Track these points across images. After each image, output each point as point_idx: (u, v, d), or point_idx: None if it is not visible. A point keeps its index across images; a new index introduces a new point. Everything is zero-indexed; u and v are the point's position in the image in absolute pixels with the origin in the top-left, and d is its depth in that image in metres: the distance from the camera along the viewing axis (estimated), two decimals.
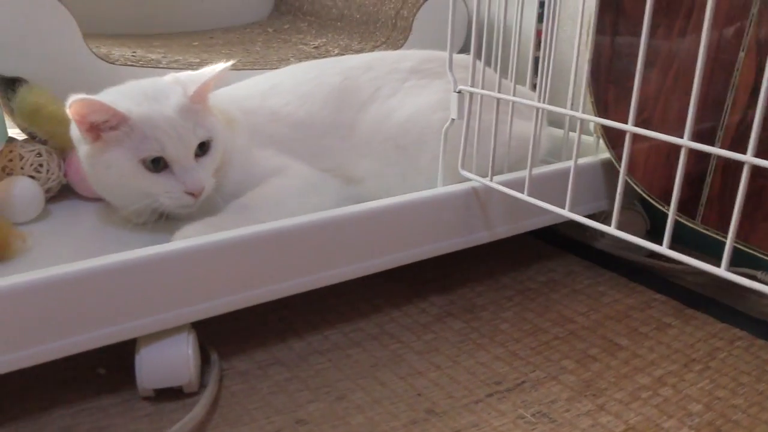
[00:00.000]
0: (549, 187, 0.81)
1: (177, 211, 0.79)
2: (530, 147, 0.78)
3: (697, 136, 0.84)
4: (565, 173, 0.91)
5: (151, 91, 0.78)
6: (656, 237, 1.07)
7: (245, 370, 0.75)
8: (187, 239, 0.69)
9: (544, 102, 0.94)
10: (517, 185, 0.80)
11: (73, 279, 0.61)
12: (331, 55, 1.17)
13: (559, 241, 1.08)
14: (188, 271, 0.67)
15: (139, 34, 1.35)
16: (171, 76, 0.82)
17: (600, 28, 0.90)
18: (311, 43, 1.27)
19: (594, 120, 0.75)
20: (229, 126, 0.84)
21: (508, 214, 0.89)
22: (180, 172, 0.76)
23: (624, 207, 0.74)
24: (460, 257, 0.96)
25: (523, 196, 0.76)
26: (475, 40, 0.82)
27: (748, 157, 0.54)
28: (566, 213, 0.72)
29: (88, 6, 0.97)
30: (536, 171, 0.80)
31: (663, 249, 0.63)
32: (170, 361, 0.66)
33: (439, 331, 0.82)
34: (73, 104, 0.71)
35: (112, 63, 0.94)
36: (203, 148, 0.78)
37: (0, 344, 0.58)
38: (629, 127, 0.64)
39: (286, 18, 1.51)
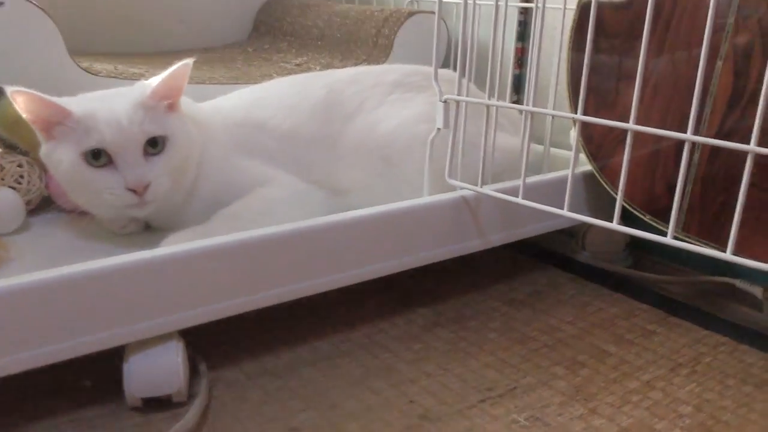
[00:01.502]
0: (539, 194, 0.81)
1: (127, 212, 0.77)
2: (523, 151, 0.79)
3: (676, 146, 0.86)
4: (553, 182, 0.93)
5: (109, 94, 0.78)
6: (636, 248, 1.10)
7: (234, 379, 0.73)
8: (175, 245, 0.68)
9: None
10: (507, 193, 0.81)
11: (58, 284, 0.60)
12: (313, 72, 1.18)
13: (541, 255, 1.09)
14: (177, 277, 0.66)
15: (120, 53, 1.35)
16: (139, 83, 0.82)
17: (578, 44, 0.93)
18: (292, 61, 1.27)
19: (594, 121, 0.77)
20: (204, 133, 0.83)
21: (500, 222, 0.89)
22: (123, 167, 0.73)
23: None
24: (444, 270, 0.97)
25: (520, 200, 0.77)
26: (460, 52, 0.84)
27: (752, 147, 0.56)
28: (566, 213, 0.73)
29: (68, 24, 0.96)
30: (529, 180, 0.81)
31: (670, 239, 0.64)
32: (160, 368, 0.65)
33: (429, 341, 0.82)
34: (14, 95, 0.70)
35: (96, 75, 0.93)
36: (156, 146, 0.75)
37: None
38: (631, 126, 0.66)
39: (265, 38, 1.52)
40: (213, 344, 0.80)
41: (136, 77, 0.99)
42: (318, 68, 1.20)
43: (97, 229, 0.84)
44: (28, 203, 0.86)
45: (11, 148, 0.88)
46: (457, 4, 1.30)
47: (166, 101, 0.77)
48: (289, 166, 0.88)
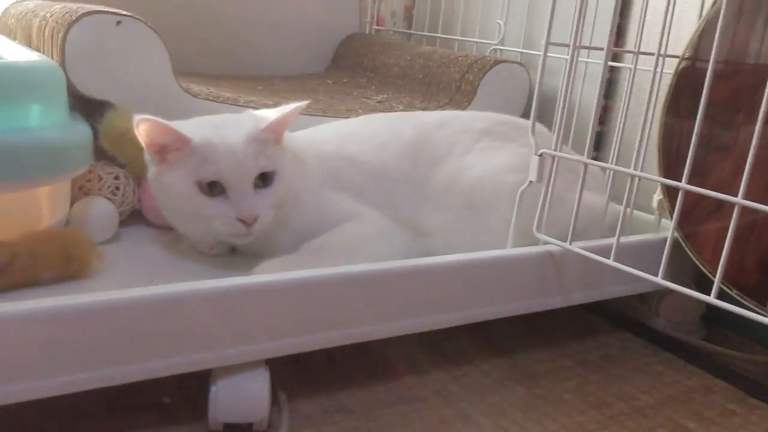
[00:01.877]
0: (623, 256, 0.80)
1: (232, 240, 0.79)
2: (621, 214, 0.78)
3: None
4: (637, 245, 0.91)
5: (221, 122, 0.80)
6: (712, 322, 1.07)
7: (310, 413, 0.73)
8: (269, 274, 0.69)
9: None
10: (595, 252, 0.80)
11: (155, 302, 0.61)
12: (395, 110, 1.19)
13: (613, 318, 1.07)
14: (269, 306, 0.67)
15: (202, 74, 1.38)
16: (248, 112, 0.84)
17: (674, 109, 0.92)
18: (374, 98, 1.29)
19: (700, 191, 0.75)
20: (300, 166, 0.85)
21: (584, 281, 0.88)
22: (235, 198, 0.76)
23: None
24: (514, 325, 0.95)
25: (611, 262, 0.76)
26: (559, 108, 0.84)
27: None
28: (661, 281, 0.71)
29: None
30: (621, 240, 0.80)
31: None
32: (246, 396, 0.65)
33: (503, 395, 0.81)
34: (139, 123, 0.73)
35: (195, 96, 0.96)
36: (266, 180, 0.78)
37: (74, 363, 0.58)
38: (739, 200, 0.65)
39: (344, 72, 1.54)
40: (291, 376, 0.79)
41: (231, 102, 1.01)
42: (400, 107, 1.22)
43: (184, 246, 0.85)
44: (120, 214, 0.88)
45: (110, 159, 0.90)
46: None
47: (275, 136, 0.79)
48: (375, 203, 0.89)
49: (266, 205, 0.78)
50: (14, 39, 1.08)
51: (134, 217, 0.93)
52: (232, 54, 1.50)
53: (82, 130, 0.83)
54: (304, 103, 0.82)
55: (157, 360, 0.61)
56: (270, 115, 0.81)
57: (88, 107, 0.89)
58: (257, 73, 1.51)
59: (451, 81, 1.29)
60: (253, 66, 1.53)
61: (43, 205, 0.78)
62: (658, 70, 0.88)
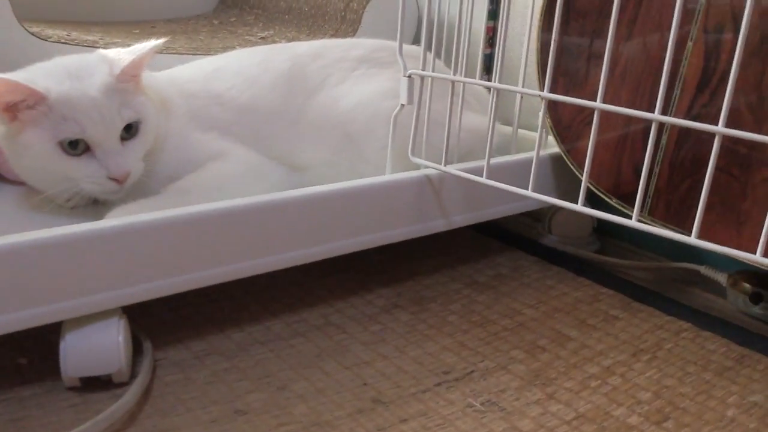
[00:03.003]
0: (505, 175, 0.79)
1: (102, 197, 0.75)
2: (489, 129, 0.77)
3: (644, 129, 0.85)
4: (519, 163, 0.91)
5: (74, 69, 0.73)
6: (602, 234, 1.08)
7: (180, 360, 0.70)
8: (119, 217, 0.65)
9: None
10: (472, 173, 0.78)
11: None
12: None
13: (506, 237, 1.07)
14: (120, 251, 0.63)
15: (77, 21, 1.29)
16: (98, 53, 0.78)
17: (549, 24, 0.90)
18: (258, 35, 1.23)
19: (560, 99, 0.74)
20: (164, 108, 0.80)
21: (465, 203, 0.87)
22: (103, 156, 0.71)
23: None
24: (405, 251, 0.94)
25: (484, 180, 0.75)
26: (426, 27, 0.81)
27: (720, 128, 0.54)
28: (531, 194, 0.70)
29: None
30: (492, 160, 0.79)
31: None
32: (99, 347, 0.62)
33: (386, 323, 0.80)
34: None
35: (44, 40, 0.89)
36: (130, 131, 0.74)
37: None
38: (597, 104, 0.63)
39: (232, 11, 1.48)
40: (159, 323, 0.77)
41: (89, 44, 0.94)
42: (284, 42, 1.17)
43: (39, 200, 0.80)
44: None
45: None
46: None
47: (134, 80, 0.73)
48: (247, 140, 0.85)
49: (136, 158, 0.74)
50: None
51: None
52: None
53: None
54: (160, 41, 0.76)
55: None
56: (124, 56, 0.75)
57: None
58: (140, 18, 1.43)
59: (336, 11, 1.24)
60: (135, 11, 1.45)
61: None
62: None
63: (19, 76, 0.69)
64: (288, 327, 0.78)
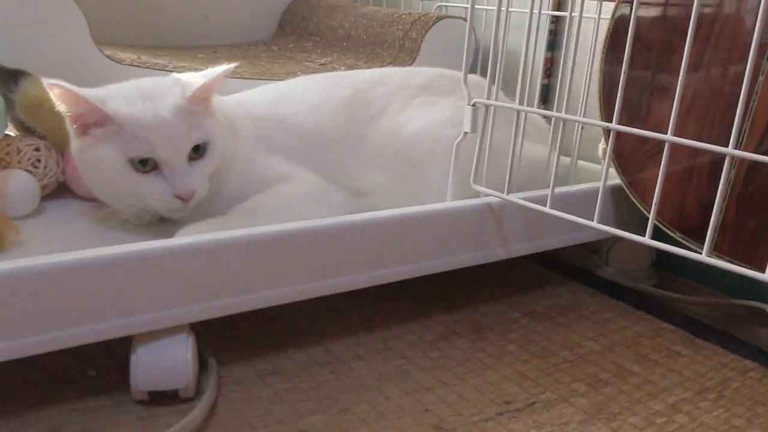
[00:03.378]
0: (566, 205, 0.79)
1: (167, 214, 0.77)
2: (551, 158, 0.77)
3: (711, 163, 0.84)
4: (580, 194, 0.90)
5: (149, 90, 0.75)
6: (661, 268, 1.06)
7: (243, 378, 0.71)
8: (190, 236, 0.66)
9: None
10: (534, 202, 0.78)
11: (68, 269, 0.58)
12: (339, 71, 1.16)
13: (563, 269, 1.06)
14: (190, 269, 0.64)
15: (144, 46, 1.34)
16: (172, 77, 0.80)
17: (612, 55, 0.90)
18: (317, 61, 1.26)
19: (627, 130, 0.74)
20: (232, 131, 0.82)
21: (525, 232, 0.87)
22: (170, 175, 0.73)
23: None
24: (463, 279, 0.94)
25: (547, 210, 0.74)
26: (492, 57, 0.82)
27: None
28: (595, 225, 0.70)
29: (95, 14, 0.94)
30: (556, 190, 0.79)
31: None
32: (168, 362, 0.63)
33: (445, 349, 0.79)
34: (51, 88, 0.69)
35: (118, 63, 0.92)
36: (198, 152, 0.75)
37: None
38: (668, 137, 0.63)
39: (290, 37, 1.51)
40: (224, 341, 0.78)
41: (159, 67, 0.97)
42: (343, 69, 1.19)
43: (112, 218, 0.82)
44: (43, 188, 0.84)
45: (29, 131, 0.87)
46: (487, 11, 1.28)
47: (204, 103, 0.76)
48: (309, 164, 0.86)
49: (202, 178, 0.75)
50: None
51: (63, 190, 0.89)
52: (175, 24, 1.45)
53: None
54: (231, 65, 0.78)
55: (71, 329, 0.59)
56: (196, 80, 0.77)
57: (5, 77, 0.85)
58: (202, 43, 1.47)
59: (394, 40, 1.26)
60: (197, 36, 1.49)
61: None
62: (600, 17, 0.86)
63: (93, 92, 0.71)
64: (348, 350, 0.78)
